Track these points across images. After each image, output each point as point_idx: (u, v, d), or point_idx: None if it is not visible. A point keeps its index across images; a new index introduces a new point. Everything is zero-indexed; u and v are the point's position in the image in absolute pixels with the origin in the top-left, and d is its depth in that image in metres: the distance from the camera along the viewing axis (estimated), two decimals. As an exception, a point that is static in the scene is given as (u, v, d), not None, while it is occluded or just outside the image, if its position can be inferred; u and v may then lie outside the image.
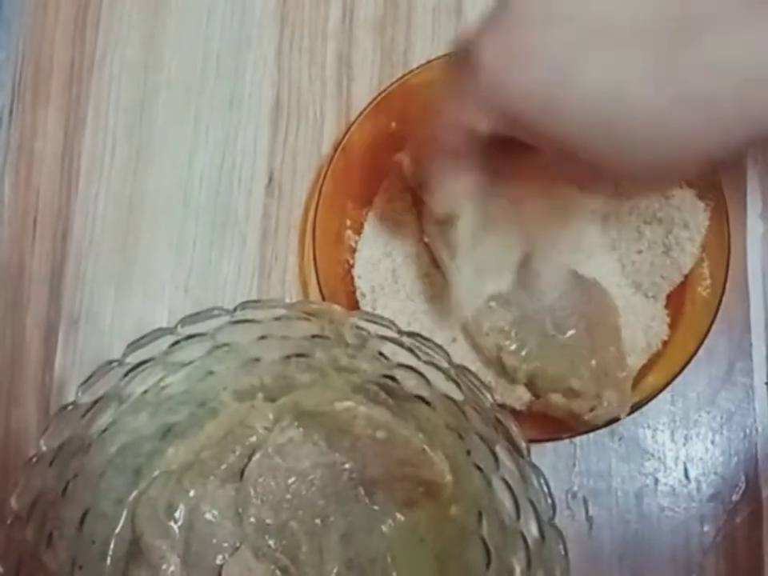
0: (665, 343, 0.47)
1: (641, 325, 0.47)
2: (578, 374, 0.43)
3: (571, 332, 0.44)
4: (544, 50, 0.30)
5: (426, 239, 0.46)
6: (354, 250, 0.49)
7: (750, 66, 0.29)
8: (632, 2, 0.30)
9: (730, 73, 0.29)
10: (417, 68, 0.50)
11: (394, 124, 0.50)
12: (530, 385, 0.45)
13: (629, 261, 0.47)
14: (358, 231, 0.49)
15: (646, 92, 0.29)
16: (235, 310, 0.38)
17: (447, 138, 0.36)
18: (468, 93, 0.33)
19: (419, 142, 0.40)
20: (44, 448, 0.36)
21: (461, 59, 0.33)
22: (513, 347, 0.44)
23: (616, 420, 0.44)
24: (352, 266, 0.49)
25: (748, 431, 0.49)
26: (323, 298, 0.47)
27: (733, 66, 0.29)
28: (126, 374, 0.38)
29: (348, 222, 0.49)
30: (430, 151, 0.38)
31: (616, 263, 0.47)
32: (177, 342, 0.38)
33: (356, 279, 0.48)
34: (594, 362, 0.43)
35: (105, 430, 0.39)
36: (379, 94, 0.49)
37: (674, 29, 0.29)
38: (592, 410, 0.43)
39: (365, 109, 0.49)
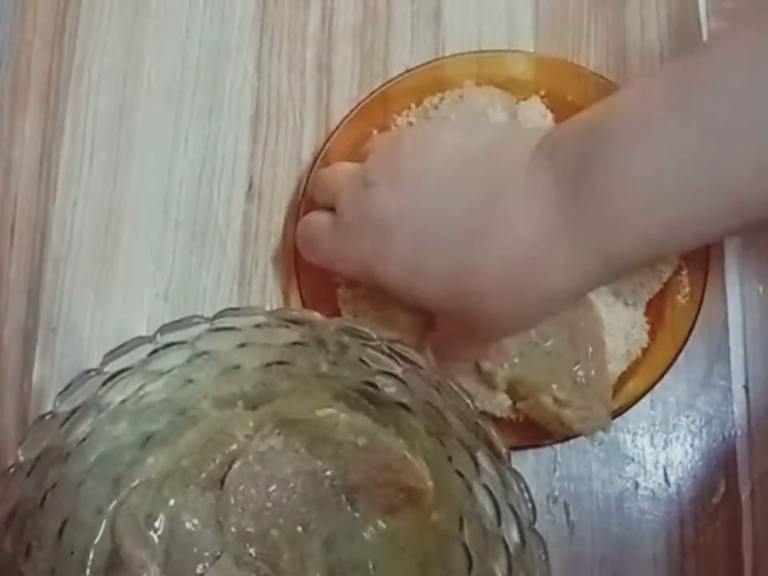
0: (644, 350, 0.47)
1: (621, 332, 0.47)
2: (560, 383, 0.43)
3: (554, 340, 0.44)
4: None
5: None
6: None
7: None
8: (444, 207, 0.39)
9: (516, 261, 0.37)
10: (397, 76, 0.50)
11: (374, 131, 0.50)
12: (510, 391, 0.45)
13: None
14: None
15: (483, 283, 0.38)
16: (215, 317, 0.38)
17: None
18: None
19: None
20: (22, 458, 0.36)
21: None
22: (489, 354, 0.44)
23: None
24: (333, 273, 0.48)
25: (727, 434, 0.49)
26: (304, 305, 0.47)
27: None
28: (105, 383, 0.38)
29: (329, 229, 0.49)
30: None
31: None
32: (156, 351, 0.38)
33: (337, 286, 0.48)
34: (576, 372, 0.44)
35: (84, 439, 0.39)
36: (359, 104, 0.50)
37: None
38: (582, 420, 0.43)
39: (345, 117, 0.50)
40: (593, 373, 0.44)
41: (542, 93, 0.50)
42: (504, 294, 0.38)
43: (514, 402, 0.45)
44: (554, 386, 0.43)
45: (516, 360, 0.44)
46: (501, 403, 0.45)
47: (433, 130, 0.44)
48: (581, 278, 0.37)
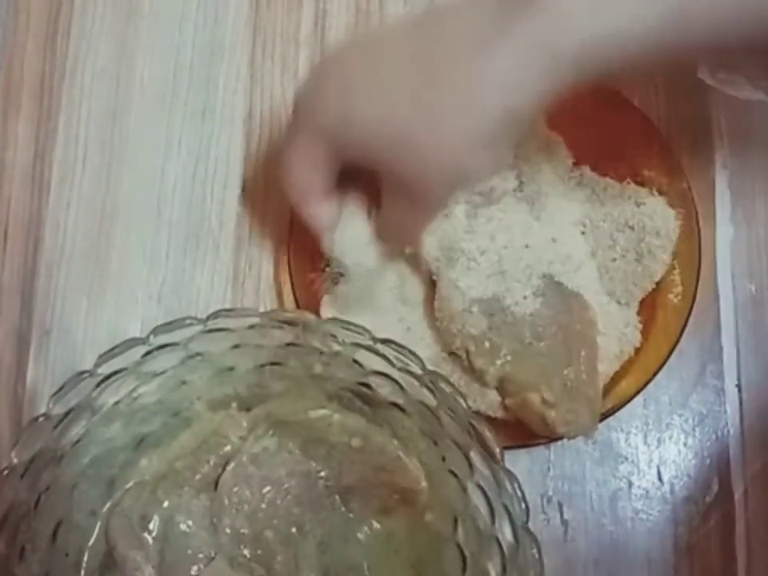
0: (637, 350, 0.47)
1: (615, 332, 0.47)
2: (549, 384, 0.43)
3: (547, 341, 0.44)
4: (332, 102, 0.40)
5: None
6: (328, 258, 0.49)
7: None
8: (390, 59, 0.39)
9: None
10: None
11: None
12: (500, 388, 0.45)
13: (605, 269, 0.48)
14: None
15: (404, 113, 0.38)
16: (208, 319, 0.38)
17: (304, 181, 0.43)
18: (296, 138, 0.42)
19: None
20: (15, 460, 0.36)
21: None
22: (482, 351, 0.44)
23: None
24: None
25: (720, 433, 0.49)
26: (298, 306, 0.48)
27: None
28: (98, 385, 0.38)
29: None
30: (299, 201, 0.44)
31: (595, 271, 0.48)
32: (149, 352, 0.38)
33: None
34: (567, 375, 0.44)
35: (77, 441, 0.39)
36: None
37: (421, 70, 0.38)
38: (566, 423, 0.43)
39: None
40: (583, 377, 0.44)
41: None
42: (436, 122, 0.37)
43: (504, 400, 0.45)
44: (543, 387, 0.43)
45: (508, 358, 0.44)
46: (492, 402, 0.45)
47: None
48: (523, 87, 0.36)
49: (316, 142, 0.41)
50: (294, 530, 0.43)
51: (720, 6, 0.35)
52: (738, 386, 0.50)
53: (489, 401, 0.45)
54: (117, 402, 0.40)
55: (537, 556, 0.36)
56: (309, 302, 0.47)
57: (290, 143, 0.42)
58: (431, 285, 0.47)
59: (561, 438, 0.45)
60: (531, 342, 0.44)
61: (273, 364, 0.42)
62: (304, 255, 0.48)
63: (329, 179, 0.42)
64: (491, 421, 0.45)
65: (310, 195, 0.43)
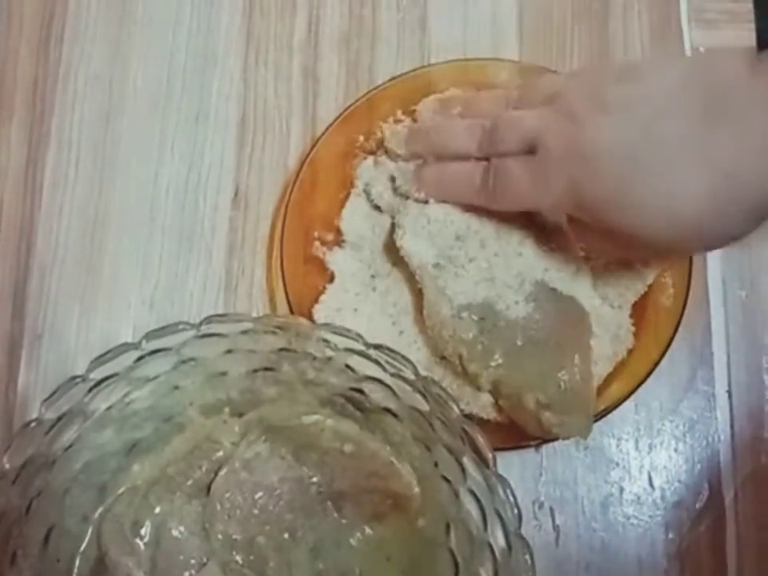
0: (630, 351, 0.47)
1: (608, 334, 0.47)
2: (544, 386, 0.43)
3: (541, 344, 0.45)
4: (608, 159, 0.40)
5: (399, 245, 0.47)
6: (321, 263, 0.49)
7: None
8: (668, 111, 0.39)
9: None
10: (382, 83, 0.51)
11: (361, 137, 0.50)
12: (494, 391, 0.45)
13: (598, 273, 0.48)
14: (326, 243, 0.49)
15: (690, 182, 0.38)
16: (201, 324, 0.38)
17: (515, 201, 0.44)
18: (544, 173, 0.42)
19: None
20: (7, 465, 0.36)
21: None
22: (474, 356, 0.44)
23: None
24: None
25: (710, 439, 0.49)
26: (291, 311, 0.48)
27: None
28: (90, 390, 0.38)
29: (315, 234, 0.49)
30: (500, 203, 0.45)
31: (589, 276, 0.48)
32: (141, 357, 0.38)
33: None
34: (561, 376, 0.44)
35: (69, 446, 0.39)
36: (345, 109, 0.50)
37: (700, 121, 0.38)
38: (561, 424, 0.43)
39: (331, 124, 0.50)
40: (577, 377, 0.44)
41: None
42: (721, 215, 0.38)
43: (497, 402, 0.45)
44: (537, 389, 0.43)
45: (501, 361, 0.44)
46: (485, 405, 0.45)
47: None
48: None
49: (562, 187, 0.41)
50: (286, 535, 0.43)
51: None
52: (729, 391, 0.50)
53: (482, 403, 0.45)
54: (109, 408, 0.39)
55: (529, 562, 0.36)
56: (302, 307, 0.47)
57: (545, 187, 0.42)
58: (420, 290, 0.47)
59: (555, 439, 0.45)
60: (524, 345, 0.45)
61: (265, 369, 0.42)
62: (297, 260, 0.48)
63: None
64: (484, 423, 0.45)
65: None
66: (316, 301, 0.48)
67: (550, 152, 0.41)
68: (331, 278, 0.49)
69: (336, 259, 0.49)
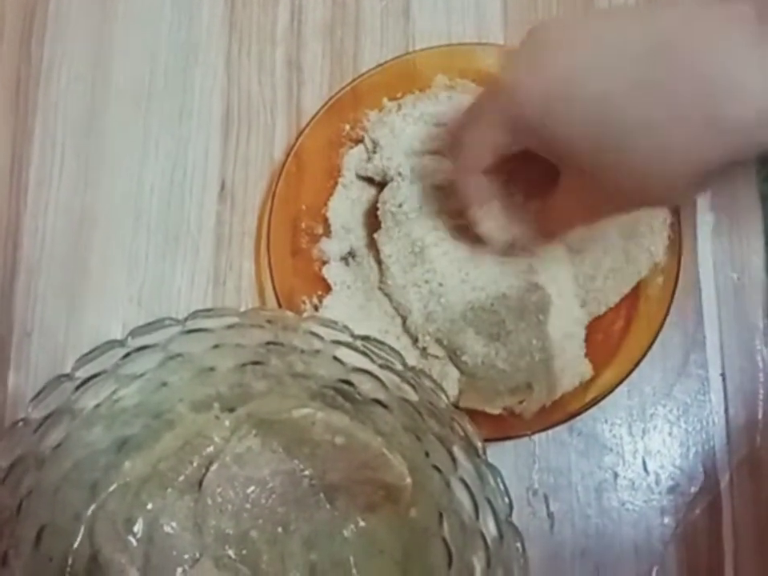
0: (620, 339, 0.47)
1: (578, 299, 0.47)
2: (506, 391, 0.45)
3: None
4: (553, 68, 0.36)
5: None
6: (309, 255, 0.49)
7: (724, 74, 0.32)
8: (618, 30, 0.35)
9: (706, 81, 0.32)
10: (367, 71, 0.50)
11: (347, 126, 0.50)
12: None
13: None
14: (313, 235, 0.49)
15: (635, 98, 0.33)
16: (186, 319, 0.38)
17: (476, 156, 0.40)
18: (492, 111, 0.39)
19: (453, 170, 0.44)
20: (-5, 466, 0.36)
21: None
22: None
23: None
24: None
25: (705, 422, 0.49)
26: (279, 305, 0.47)
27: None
28: (77, 388, 0.38)
29: (303, 226, 0.49)
30: (464, 175, 0.42)
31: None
32: (128, 355, 0.38)
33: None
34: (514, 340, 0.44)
35: (58, 445, 0.39)
36: (330, 99, 0.50)
37: (652, 46, 0.33)
38: (521, 402, 0.43)
39: (316, 114, 0.49)
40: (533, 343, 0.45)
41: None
42: (680, 125, 0.33)
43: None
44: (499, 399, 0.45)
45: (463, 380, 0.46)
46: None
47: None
48: None
49: (507, 128, 0.38)
50: (279, 529, 0.43)
51: None
52: (722, 374, 0.50)
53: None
54: (97, 405, 0.39)
55: (520, 549, 0.36)
56: (290, 299, 0.47)
57: (478, 119, 0.39)
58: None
59: (552, 425, 0.45)
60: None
61: (254, 363, 0.42)
62: (285, 253, 0.48)
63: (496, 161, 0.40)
64: (472, 413, 0.45)
65: (474, 170, 0.41)
66: (304, 293, 0.48)
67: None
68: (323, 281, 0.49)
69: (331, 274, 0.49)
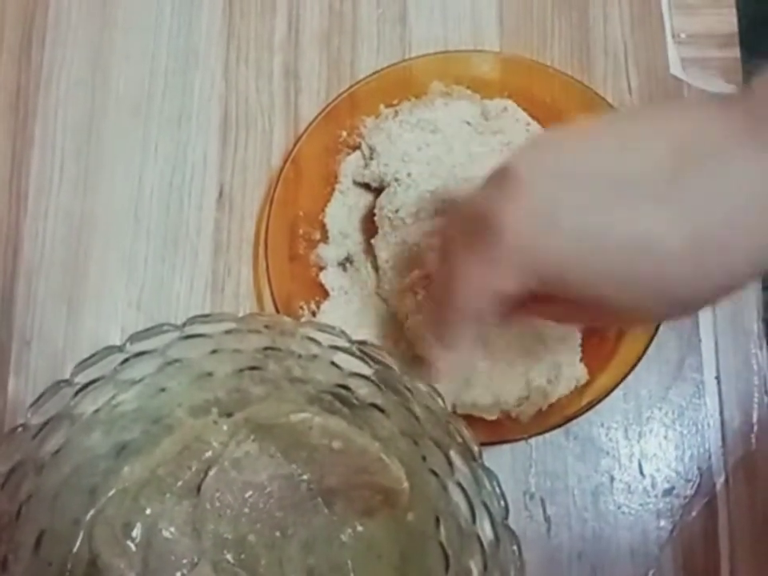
0: (615, 343, 0.47)
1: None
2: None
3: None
4: (565, 215, 0.31)
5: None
6: (307, 261, 0.49)
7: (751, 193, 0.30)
8: (622, 156, 0.32)
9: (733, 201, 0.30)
10: (364, 78, 0.51)
11: (344, 133, 0.50)
12: None
13: None
14: (310, 240, 0.50)
15: (664, 232, 0.30)
16: (184, 325, 0.38)
17: (473, 304, 0.36)
18: (494, 257, 0.33)
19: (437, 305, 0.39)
20: (-5, 471, 0.36)
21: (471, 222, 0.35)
22: None
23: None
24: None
25: (700, 426, 0.49)
26: (277, 310, 0.48)
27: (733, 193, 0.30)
28: (76, 394, 0.38)
29: (300, 232, 0.49)
30: (452, 316, 0.37)
31: None
32: (126, 360, 0.38)
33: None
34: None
35: (57, 450, 0.39)
36: (327, 105, 0.50)
37: (670, 169, 0.30)
38: (518, 405, 0.43)
39: (313, 120, 0.50)
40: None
41: (508, 92, 0.50)
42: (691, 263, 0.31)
43: None
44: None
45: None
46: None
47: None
48: None
49: (519, 279, 0.33)
50: (277, 533, 0.43)
51: None
52: (717, 378, 0.50)
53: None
54: (96, 411, 0.40)
55: (517, 553, 0.36)
56: (288, 305, 0.47)
57: (482, 266, 0.34)
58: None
59: (548, 429, 0.45)
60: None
61: (252, 368, 0.42)
62: (282, 259, 0.48)
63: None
64: (468, 418, 0.45)
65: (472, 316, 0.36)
66: (301, 299, 0.48)
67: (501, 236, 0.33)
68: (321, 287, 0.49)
69: (328, 279, 0.49)
